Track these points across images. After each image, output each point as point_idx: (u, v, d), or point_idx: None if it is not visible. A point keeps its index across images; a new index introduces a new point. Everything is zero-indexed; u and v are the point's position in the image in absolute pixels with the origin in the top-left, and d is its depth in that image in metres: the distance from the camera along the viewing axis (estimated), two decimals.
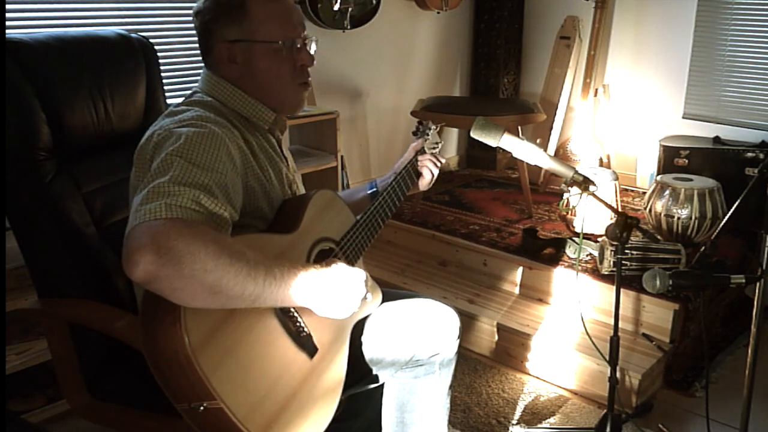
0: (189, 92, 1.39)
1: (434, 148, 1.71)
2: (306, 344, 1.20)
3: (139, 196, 1.04)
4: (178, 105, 1.32)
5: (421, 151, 1.66)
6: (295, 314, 1.20)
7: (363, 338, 1.43)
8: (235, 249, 1.02)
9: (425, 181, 1.68)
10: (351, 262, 1.41)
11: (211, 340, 1.03)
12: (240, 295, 1.02)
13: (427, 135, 1.70)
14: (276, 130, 1.44)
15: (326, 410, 1.23)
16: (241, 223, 1.19)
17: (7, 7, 2.16)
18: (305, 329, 1.21)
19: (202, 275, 0.97)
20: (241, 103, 1.35)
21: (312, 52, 1.39)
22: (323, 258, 1.33)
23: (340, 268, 1.19)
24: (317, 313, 1.18)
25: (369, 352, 1.43)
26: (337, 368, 1.29)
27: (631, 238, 1.67)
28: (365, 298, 1.22)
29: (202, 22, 1.33)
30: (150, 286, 0.97)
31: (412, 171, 1.64)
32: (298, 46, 1.35)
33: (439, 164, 1.68)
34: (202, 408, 1.01)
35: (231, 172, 1.16)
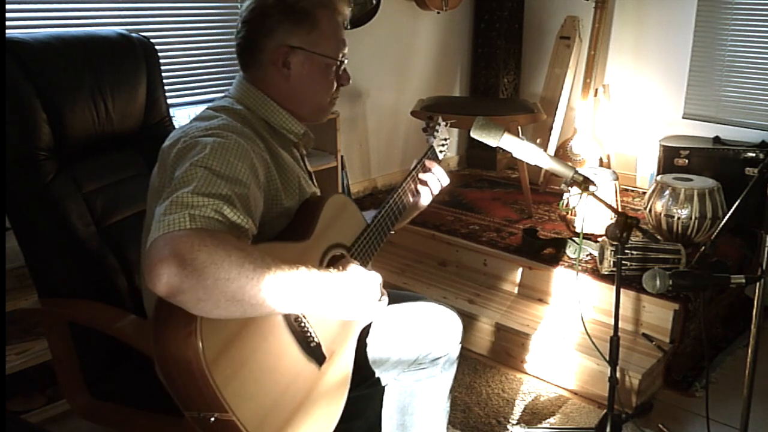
0: (220, 95, 1.37)
1: (443, 144, 1.71)
2: (315, 353, 1.20)
3: (161, 206, 1.03)
4: (207, 109, 1.30)
5: (422, 168, 1.61)
6: (306, 324, 1.20)
7: (368, 340, 1.43)
8: (256, 256, 1.00)
9: (423, 200, 1.62)
10: (361, 266, 1.40)
11: (226, 353, 1.02)
12: (262, 303, 1.01)
13: (437, 131, 1.70)
14: (301, 145, 1.43)
15: (332, 415, 1.23)
16: (260, 232, 1.18)
17: (7, 7, 2.16)
18: (315, 339, 1.21)
19: (224, 284, 0.96)
20: (272, 113, 1.33)
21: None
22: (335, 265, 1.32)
23: (356, 270, 1.19)
24: (334, 317, 1.17)
25: (373, 354, 1.43)
26: (344, 374, 1.28)
27: (631, 238, 1.67)
28: (380, 300, 1.22)
29: (262, 20, 1.29)
30: (173, 298, 0.95)
31: (413, 183, 1.60)
32: (344, 67, 1.36)
33: (440, 184, 1.62)
34: (212, 419, 1.00)
35: (253, 185, 1.15)
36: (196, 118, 1.27)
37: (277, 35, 1.28)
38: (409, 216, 1.66)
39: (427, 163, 1.61)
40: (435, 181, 1.60)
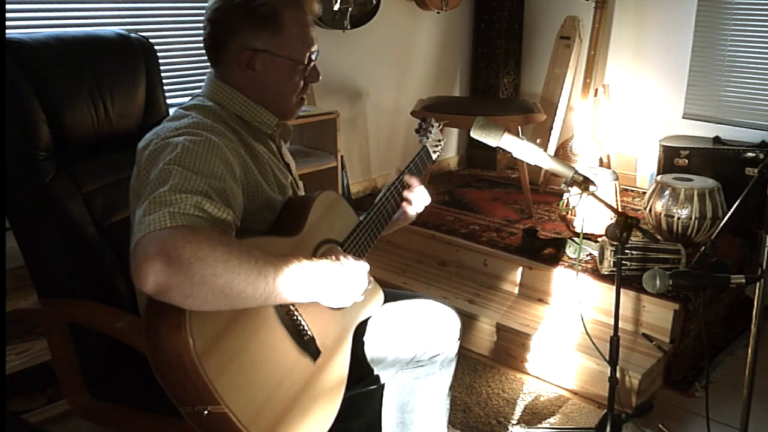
0: (191, 96, 1.38)
1: (437, 146, 1.71)
2: (309, 347, 1.21)
3: (140, 207, 1.04)
4: (179, 108, 1.31)
5: (405, 185, 1.57)
6: (299, 317, 1.20)
7: (365, 338, 1.43)
8: (242, 250, 1.01)
9: (408, 214, 1.59)
10: None
11: (216, 345, 1.03)
12: (251, 296, 1.02)
13: (430, 132, 1.70)
14: (276, 136, 1.42)
15: (329, 411, 1.24)
16: (243, 228, 1.19)
17: (7, 7, 2.16)
18: (308, 332, 1.21)
19: (212, 280, 0.97)
20: (244, 107, 1.33)
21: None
22: None
23: (345, 261, 1.20)
24: (323, 303, 1.18)
25: (371, 352, 1.43)
26: (340, 370, 1.29)
27: (631, 238, 1.67)
28: (367, 288, 1.24)
29: (225, 21, 1.28)
30: (162, 296, 0.96)
31: (398, 194, 1.57)
32: (312, 65, 1.35)
33: (424, 202, 1.59)
34: (206, 412, 1.01)
35: (229, 179, 1.16)
36: (168, 119, 1.28)
37: (240, 37, 1.28)
38: (394, 227, 1.63)
39: (408, 179, 1.57)
40: (418, 200, 1.58)
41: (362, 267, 1.22)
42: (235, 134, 1.28)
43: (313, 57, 1.35)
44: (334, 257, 1.19)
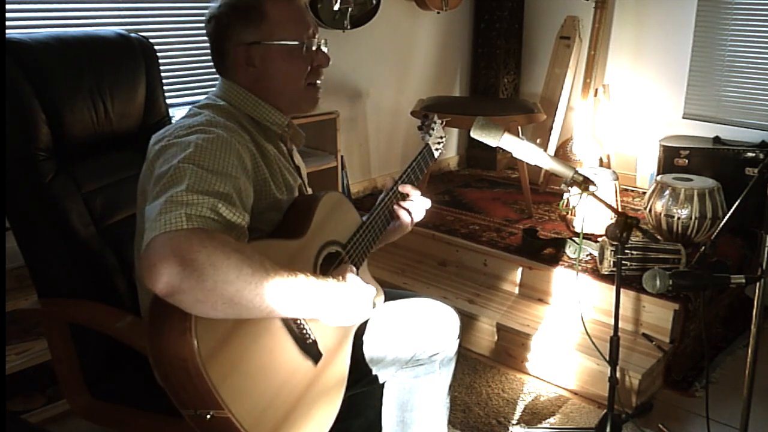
0: (203, 97, 1.39)
1: (439, 143, 1.72)
2: (311, 350, 1.21)
3: (154, 205, 1.03)
4: (192, 107, 1.32)
5: (403, 197, 1.55)
6: (302, 321, 1.20)
7: (364, 338, 1.43)
8: (255, 259, 1.01)
9: (404, 224, 1.57)
10: (357, 265, 1.41)
11: (221, 350, 1.02)
12: (258, 307, 1.01)
13: (432, 129, 1.70)
14: (287, 138, 1.43)
15: (329, 412, 1.24)
16: (250, 227, 1.18)
17: (7, 7, 2.16)
18: (311, 336, 1.21)
19: (223, 287, 0.96)
20: (254, 107, 1.34)
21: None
22: (330, 262, 1.33)
23: (352, 281, 1.20)
24: (325, 322, 1.18)
25: (370, 351, 1.43)
26: (340, 372, 1.29)
27: (631, 238, 1.67)
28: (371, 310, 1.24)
29: (217, 27, 1.31)
30: (171, 298, 0.96)
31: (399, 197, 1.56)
32: (314, 47, 1.35)
33: (425, 208, 1.57)
34: (209, 416, 1.00)
35: (242, 176, 1.16)
36: (182, 117, 1.29)
37: (233, 37, 1.30)
38: (393, 236, 1.62)
39: (403, 189, 1.55)
40: (417, 207, 1.56)
41: (369, 291, 1.22)
42: (247, 132, 1.29)
43: (315, 41, 1.35)
44: (341, 276, 1.20)
